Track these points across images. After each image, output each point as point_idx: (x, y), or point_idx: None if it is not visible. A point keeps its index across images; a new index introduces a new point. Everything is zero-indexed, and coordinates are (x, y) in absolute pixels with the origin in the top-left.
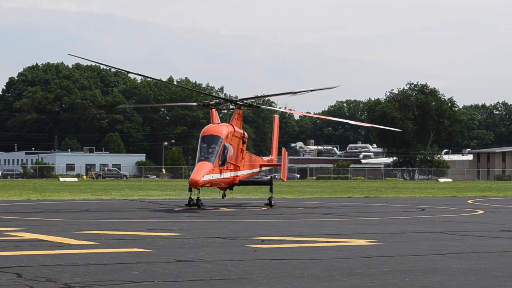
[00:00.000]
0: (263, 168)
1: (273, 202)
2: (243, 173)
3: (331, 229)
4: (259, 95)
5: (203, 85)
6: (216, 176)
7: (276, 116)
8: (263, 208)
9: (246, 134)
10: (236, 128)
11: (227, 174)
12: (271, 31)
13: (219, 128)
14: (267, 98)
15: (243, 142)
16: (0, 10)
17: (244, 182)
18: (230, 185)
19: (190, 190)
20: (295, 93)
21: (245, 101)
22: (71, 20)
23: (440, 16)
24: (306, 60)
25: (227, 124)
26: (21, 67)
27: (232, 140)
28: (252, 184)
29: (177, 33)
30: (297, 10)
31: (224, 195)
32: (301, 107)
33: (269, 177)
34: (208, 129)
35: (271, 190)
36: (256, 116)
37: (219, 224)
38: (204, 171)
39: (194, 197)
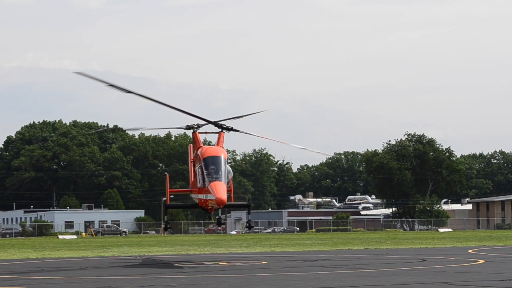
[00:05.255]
0: None
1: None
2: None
3: (332, 282)
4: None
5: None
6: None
7: (191, 145)
8: (263, 262)
9: None
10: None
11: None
12: (269, 85)
13: (220, 150)
14: (265, 152)
15: None
16: (2, 70)
17: (228, 205)
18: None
19: (208, 212)
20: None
21: (224, 124)
22: (71, 78)
23: (437, 66)
24: (305, 112)
25: (220, 147)
26: (19, 125)
27: (227, 162)
28: (234, 206)
29: (177, 88)
30: (294, 63)
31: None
32: (299, 159)
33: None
34: (210, 150)
35: (249, 213)
36: (254, 169)
37: (219, 279)
38: (225, 190)
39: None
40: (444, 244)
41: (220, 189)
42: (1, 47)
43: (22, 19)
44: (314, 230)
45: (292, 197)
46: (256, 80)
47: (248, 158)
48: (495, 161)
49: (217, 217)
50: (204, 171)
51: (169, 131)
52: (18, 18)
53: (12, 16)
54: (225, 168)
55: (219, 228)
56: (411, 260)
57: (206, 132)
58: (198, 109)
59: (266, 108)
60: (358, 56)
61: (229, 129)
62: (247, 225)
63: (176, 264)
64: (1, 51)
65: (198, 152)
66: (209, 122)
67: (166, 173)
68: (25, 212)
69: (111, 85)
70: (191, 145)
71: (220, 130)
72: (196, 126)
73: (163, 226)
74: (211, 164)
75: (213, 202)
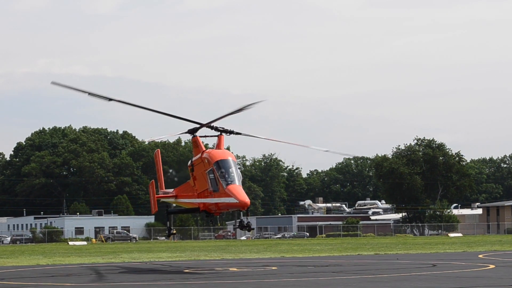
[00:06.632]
0: None
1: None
2: None
3: None
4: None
5: (210, 146)
6: None
7: (158, 150)
8: (273, 268)
9: None
10: None
11: None
12: (279, 90)
13: (229, 152)
14: (274, 157)
15: None
16: (13, 77)
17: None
18: None
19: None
20: None
21: (222, 127)
22: (82, 84)
23: (446, 70)
24: (315, 117)
25: (225, 150)
26: (29, 132)
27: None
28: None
29: (187, 94)
30: (304, 68)
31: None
32: (309, 164)
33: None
34: (220, 153)
35: (247, 215)
36: (264, 175)
37: (229, 285)
38: (244, 192)
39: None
40: (455, 249)
41: (241, 192)
42: (13, 53)
43: (33, 26)
44: (324, 235)
45: (301, 202)
46: (267, 85)
47: (257, 163)
48: (505, 165)
49: (238, 220)
50: (217, 175)
51: (179, 137)
52: (29, 24)
53: (23, 22)
54: (237, 171)
55: (235, 230)
56: (422, 265)
57: (206, 136)
58: (209, 114)
59: (277, 112)
60: (367, 60)
61: (231, 132)
62: (247, 227)
63: (187, 270)
64: (12, 57)
65: (205, 156)
66: (204, 125)
67: (152, 179)
68: (35, 218)
69: (91, 94)
70: (159, 150)
71: (219, 133)
72: (194, 129)
73: (167, 232)
74: (224, 167)
75: (234, 205)
